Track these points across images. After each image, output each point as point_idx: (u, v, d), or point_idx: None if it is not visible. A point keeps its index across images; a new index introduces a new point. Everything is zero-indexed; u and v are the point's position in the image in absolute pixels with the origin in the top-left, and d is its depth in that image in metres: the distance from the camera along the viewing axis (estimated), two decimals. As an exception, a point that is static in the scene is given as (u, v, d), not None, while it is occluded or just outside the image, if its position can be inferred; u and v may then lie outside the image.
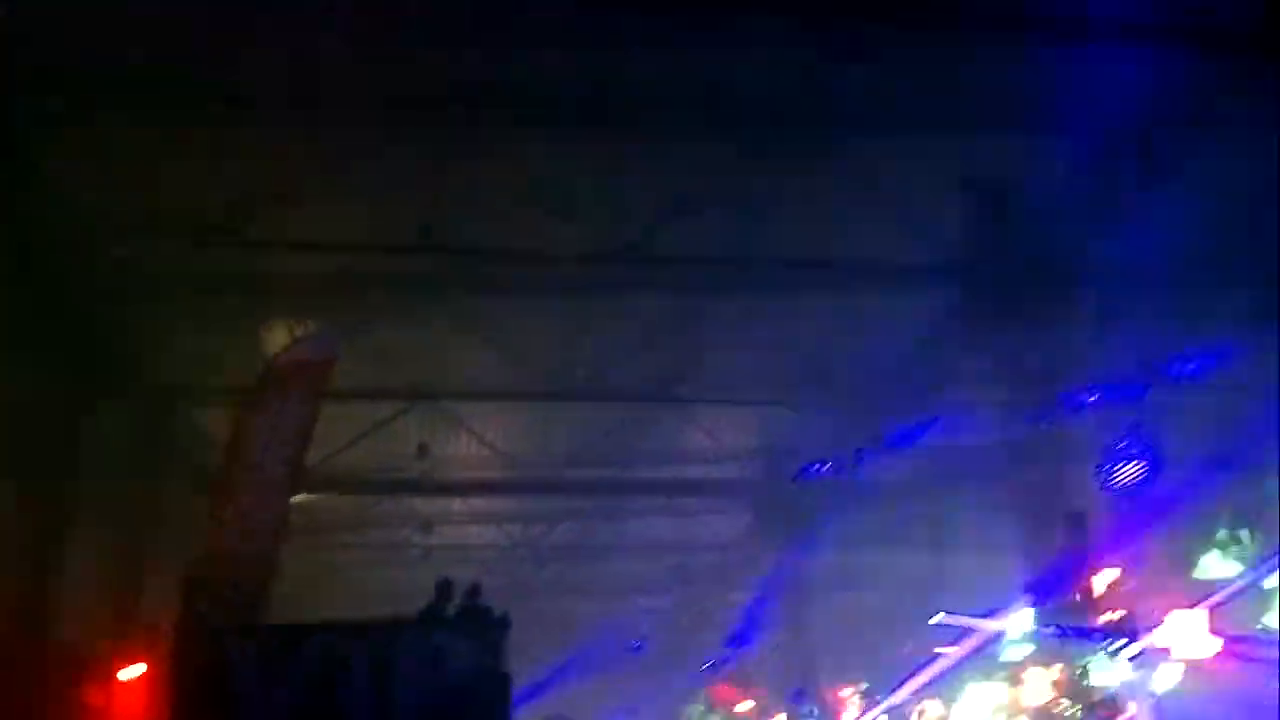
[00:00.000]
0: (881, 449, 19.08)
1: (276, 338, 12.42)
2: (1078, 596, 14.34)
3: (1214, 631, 16.40)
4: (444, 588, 10.76)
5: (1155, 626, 17.38)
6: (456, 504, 20.78)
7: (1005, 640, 19.79)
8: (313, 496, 18.08)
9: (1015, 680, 21.93)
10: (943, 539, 22.72)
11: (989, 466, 17.10)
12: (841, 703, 25.58)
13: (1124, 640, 14.15)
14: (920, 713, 24.36)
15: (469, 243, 12.42)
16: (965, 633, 22.46)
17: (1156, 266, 13.54)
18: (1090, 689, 13.90)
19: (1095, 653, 13.83)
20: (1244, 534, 18.46)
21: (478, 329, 14.81)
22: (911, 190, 12.98)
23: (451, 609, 10.88)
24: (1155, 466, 16.13)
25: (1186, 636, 17.33)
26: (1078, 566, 14.39)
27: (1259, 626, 18.35)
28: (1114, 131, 12.14)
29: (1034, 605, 14.91)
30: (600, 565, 24.59)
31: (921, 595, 25.16)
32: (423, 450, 17.92)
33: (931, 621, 24.10)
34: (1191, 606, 18.19)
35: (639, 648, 26.53)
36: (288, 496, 9.93)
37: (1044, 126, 12.17)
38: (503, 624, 10.82)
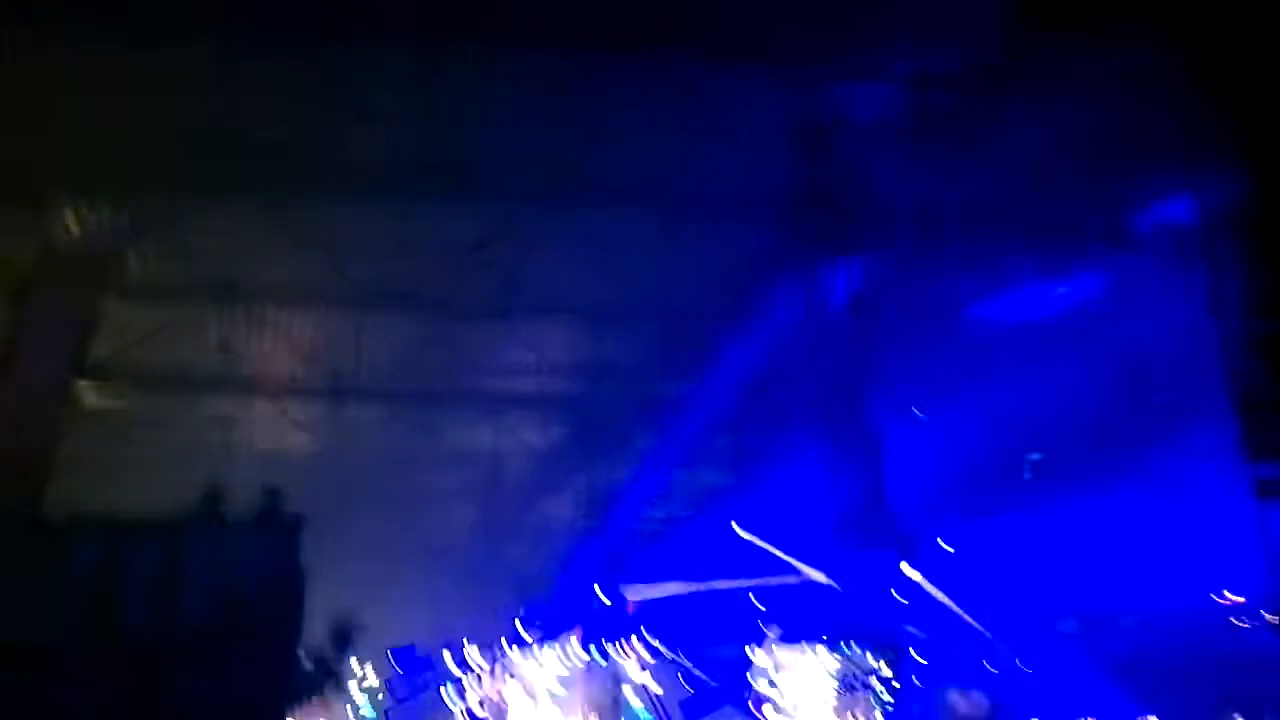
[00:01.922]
0: (698, 372, 19.64)
1: (63, 225, 11.67)
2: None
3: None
4: (232, 488, 10.54)
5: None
6: (262, 404, 20.16)
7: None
8: (105, 391, 17.29)
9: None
10: (745, 463, 23.56)
11: (799, 396, 17.74)
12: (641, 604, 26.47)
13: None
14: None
15: (277, 143, 11.92)
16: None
17: (971, 208, 14.17)
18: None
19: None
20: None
21: (290, 231, 14.31)
22: (737, 122, 13.19)
23: (245, 512, 10.69)
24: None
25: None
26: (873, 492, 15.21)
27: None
28: (933, 74, 12.60)
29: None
30: (414, 475, 24.38)
31: (725, 514, 26.24)
32: (225, 347, 17.27)
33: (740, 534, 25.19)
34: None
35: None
36: (68, 390, 9.46)
37: (866, 65, 12.52)
38: (296, 527, 10.68)
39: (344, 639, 12.19)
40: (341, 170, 12.69)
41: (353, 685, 28.31)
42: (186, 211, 13.50)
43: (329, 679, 12.85)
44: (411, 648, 27.63)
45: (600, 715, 25.81)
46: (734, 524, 24.69)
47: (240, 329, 17.29)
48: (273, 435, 21.18)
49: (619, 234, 15.21)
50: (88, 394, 15.89)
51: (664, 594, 27.32)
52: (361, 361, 17.91)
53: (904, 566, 16.05)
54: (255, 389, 18.52)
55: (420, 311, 16.71)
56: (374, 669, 29.58)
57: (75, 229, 11.23)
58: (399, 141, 12.02)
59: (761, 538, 23.63)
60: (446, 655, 29.33)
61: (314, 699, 12.94)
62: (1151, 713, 16.55)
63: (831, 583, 18.63)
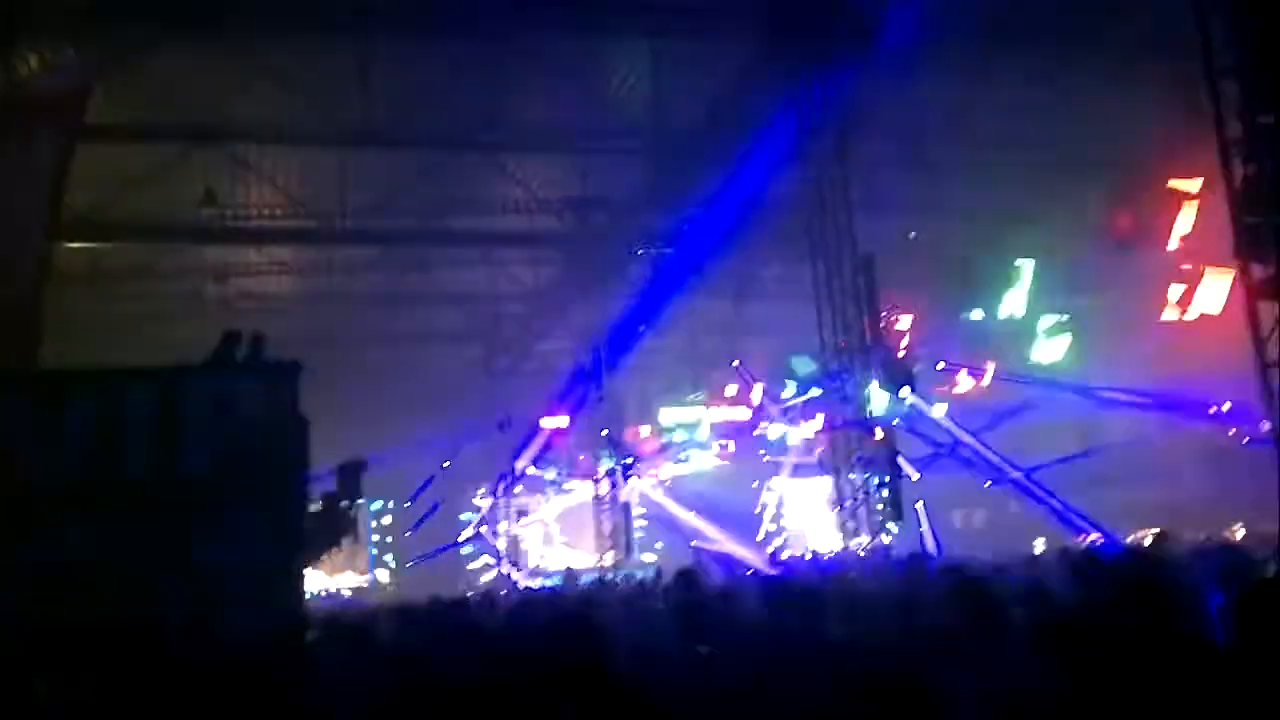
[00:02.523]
0: (692, 203, 19.40)
1: (25, 64, 11.20)
2: (868, 337, 15.16)
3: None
4: (229, 336, 10.44)
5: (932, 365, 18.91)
6: (252, 254, 20.00)
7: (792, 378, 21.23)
8: (90, 245, 17.11)
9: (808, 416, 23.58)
10: (749, 290, 23.56)
11: (790, 219, 17.52)
12: (642, 442, 26.99)
13: (901, 379, 15.19)
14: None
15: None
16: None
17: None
18: (870, 417, 14.83)
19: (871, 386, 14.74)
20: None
21: (266, 67, 13.84)
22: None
23: (242, 359, 10.61)
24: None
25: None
26: (867, 308, 15.15)
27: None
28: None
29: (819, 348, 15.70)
30: (408, 314, 24.42)
31: (727, 340, 26.43)
32: (210, 196, 16.98)
33: (733, 364, 25.49)
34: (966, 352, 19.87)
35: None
36: (45, 240, 9.24)
37: None
38: (294, 369, 10.61)
39: (353, 478, 12.27)
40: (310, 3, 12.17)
41: (368, 527, 29.25)
42: (156, 50, 12.99)
43: (343, 521, 12.98)
44: (424, 486, 28.40)
45: (613, 547, 26.64)
46: (736, 362, 24.97)
47: (224, 176, 16.97)
48: (265, 281, 21.10)
49: (600, 55, 14.72)
50: (68, 250, 15.74)
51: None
52: (348, 203, 17.63)
53: (905, 392, 16.16)
54: (243, 236, 18.29)
55: (403, 150, 16.31)
56: (388, 510, 30.47)
57: (35, 67, 10.79)
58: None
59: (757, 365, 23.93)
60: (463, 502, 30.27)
61: (329, 542, 13.12)
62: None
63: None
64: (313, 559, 12.66)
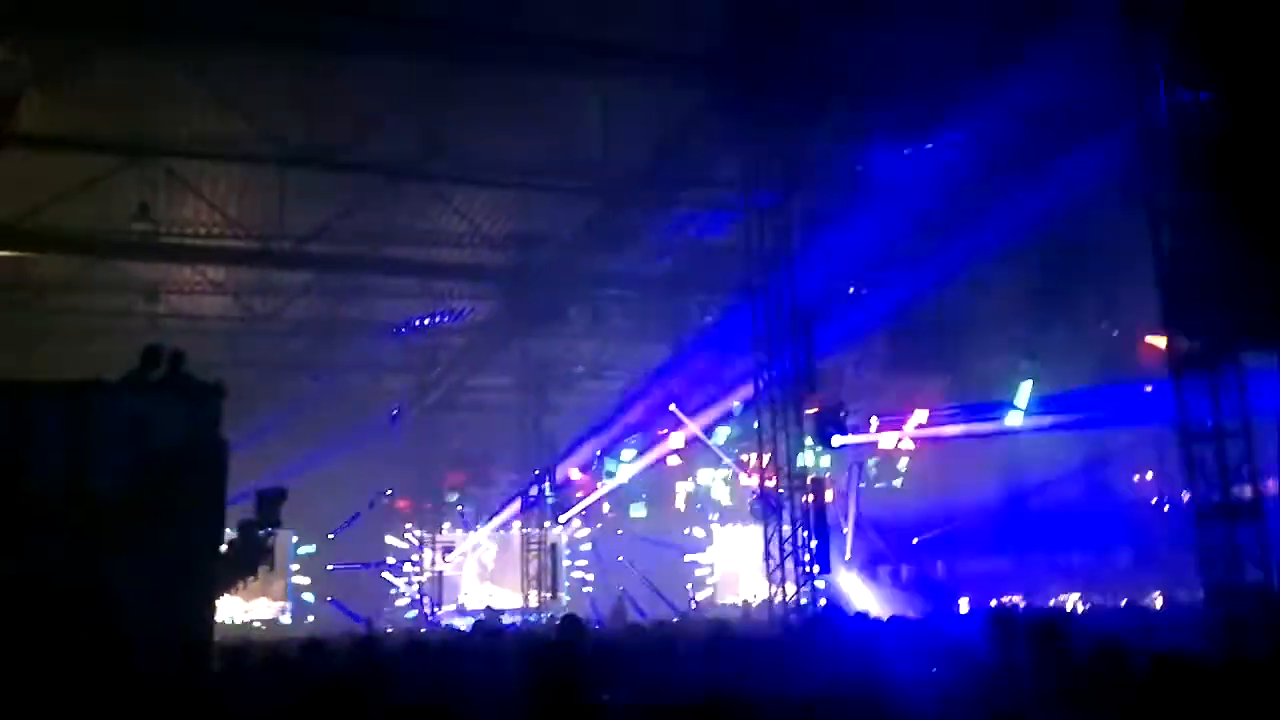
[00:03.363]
0: (634, 241, 19.42)
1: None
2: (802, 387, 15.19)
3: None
4: (150, 353, 10.19)
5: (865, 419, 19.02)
6: (186, 272, 19.60)
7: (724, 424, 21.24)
8: (16, 254, 16.64)
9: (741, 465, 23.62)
10: (681, 334, 23.58)
11: (728, 265, 17.59)
12: (577, 483, 26.83)
13: (832, 430, 15.24)
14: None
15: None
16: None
17: (909, 78, 13.87)
18: (803, 470, 14.83)
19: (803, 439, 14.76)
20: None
21: (206, 83, 13.59)
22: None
23: (157, 376, 10.34)
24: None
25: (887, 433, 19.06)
26: (800, 360, 15.19)
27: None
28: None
29: (749, 397, 15.73)
30: (343, 344, 24.07)
31: (665, 383, 26.41)
32: (144, 210, 16.58)
33: (670, 408, 25.45)
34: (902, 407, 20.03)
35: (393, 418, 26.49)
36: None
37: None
38: (217, 392, 10.38)
39: (272, 506, 11.99)
40: (252, 15, 11.98)
41: (285, 557, 28.57)
42: (94, 59, 12.72)
43: (260, 549, 12.65)
44: (348, 521, 27.87)
45: (538, 586, 26.36)
46: (672, 406, 24.94)
47: (159, 191, 16.63)
48: (197, 301, 20.69)
49: (551, 94, 14.71)
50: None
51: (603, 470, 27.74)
52: (286, 225, 17.36)
53: (836, 440, 16.22)
54: (177, 254, 17.91)
55: (344, 174, 16.11)
56: (307, 542, 29.82)
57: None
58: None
59: (694, 413, 23.92)
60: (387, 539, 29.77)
61: (244, 570, 12.77)
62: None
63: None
64: (226, 585, 12.31)
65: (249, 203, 17.28)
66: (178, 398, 10.09)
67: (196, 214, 17.37)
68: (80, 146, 14.72)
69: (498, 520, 28.57)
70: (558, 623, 9.19)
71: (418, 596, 28.19)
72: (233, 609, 24.43)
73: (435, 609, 27.25)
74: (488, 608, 24.93)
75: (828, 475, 16.05)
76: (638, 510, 29.38)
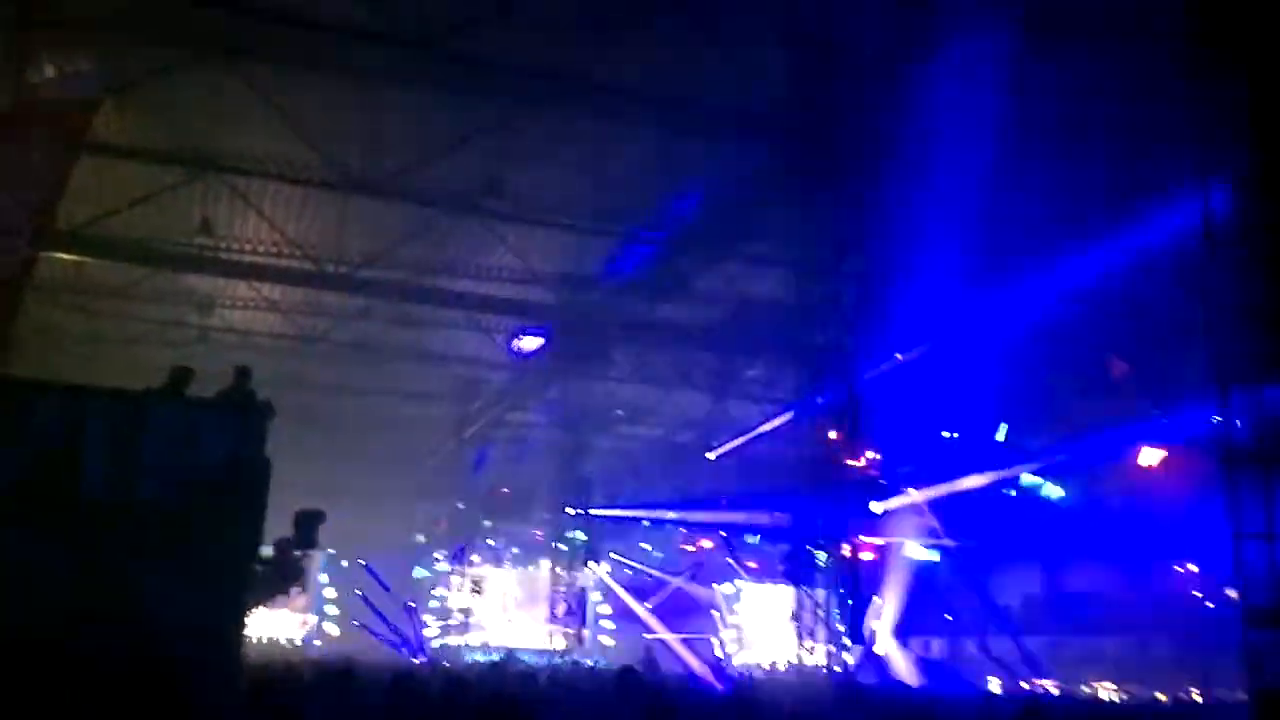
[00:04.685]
0: (683, 291, 19.46)
1: (39, 72, 11.19)
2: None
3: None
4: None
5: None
6: (241, 288, 19.85)
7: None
8: (79, 259, 16.93)
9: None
10: (726, 386, 23.52)
11: (777, 322, 17.56)
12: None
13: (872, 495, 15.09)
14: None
15: (274, 6, 11.44)
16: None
17: (971, 151, 13.85)
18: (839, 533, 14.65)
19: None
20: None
21: (278, 105, 13.85)
22: (740, 36, 12.83)
23: (215, 391, 10.44)
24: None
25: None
26: (848, 425, 15.07)
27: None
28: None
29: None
30: (388, 369, 24.21)
31: (702, 434, 26.29)
32: (206, 225, 16.91)
33: (709, 455, 25.31)
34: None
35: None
36: (30, 246, 9.09)
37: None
38: (266, 411, 10.43)
39: (309, 527, 12.01)
40: (332, 48, 12.22)
41: (320, 578, 28.66)
42: (170, 75, 13.00)
43: (294, 569, 12.69)
44: (380, 553, 27.90)
45: (564, 630, 26.17)
46: (709, 454, 24.81)
47: (222, 207, 16.92)
48: (249, 317, 20.93)
49: (613, 141, 14.82)
50: (53, 260, 15.56)
51: (632, 515, 27.60)
52: (344, 249, 17.58)
53: (872, 506, 16.05)
54: (235, 269, 18.15)
55: (404, 204, 16.30)
56: (341, 563, 29.87)
57: (50, 76, 10.77)
58: (395, 19, 11.56)
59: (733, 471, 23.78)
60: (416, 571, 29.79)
61: (277, 588, 12.80)
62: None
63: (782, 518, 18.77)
64: (259, 602, 12.32)
65: (308, 225, 17.52)
66: (227, 413, 10.15)
67: (256, 232, 17.64)
68: (149, 158, 15.03)
69: (529, 554, 28.52)
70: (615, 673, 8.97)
71: (442, 630, 28.06)
72: (258, 624, 24.42)
73: (461, 641, 27.04)
74: (508, 649, 24.72)
75: (863, 540, 15.85)
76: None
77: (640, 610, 26.86)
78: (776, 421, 19.78)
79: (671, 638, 24.94)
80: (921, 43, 12.55)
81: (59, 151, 8.90)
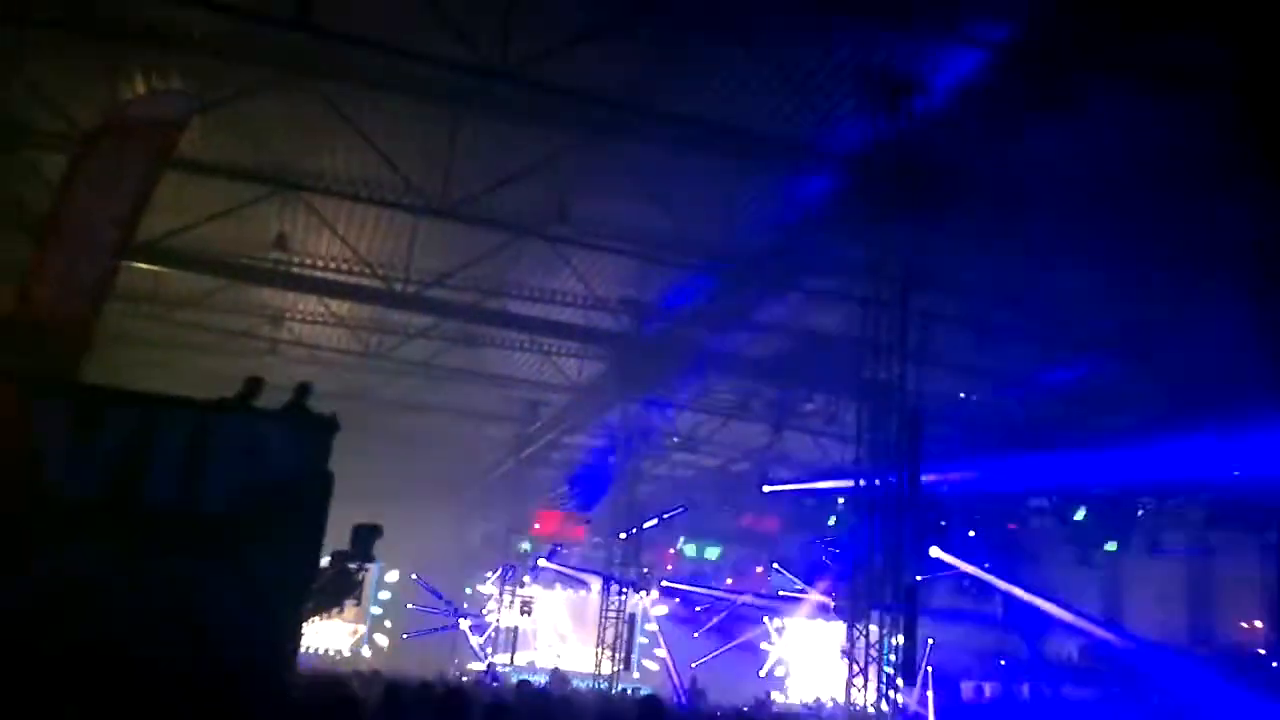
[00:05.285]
0: (745, 321, 19.47)
1: (132, 88, 11.59)
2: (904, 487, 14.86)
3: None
4: (253, 383, 10.48)
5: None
6: (312, 302, 20.27)
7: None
8: (157, 269, 17.41)
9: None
10: (787, 420, 23.43)
11: (839, 355, 17.46)
12: (666, 557, 26.71)
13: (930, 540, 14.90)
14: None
15: (356, 31, 11.72)
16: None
17: (1040, 190, 13.73)
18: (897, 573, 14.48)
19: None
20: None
21: (358, 125, 14.17)
22: (813, 71, 12.87)
23: (282, 404, 10.67)
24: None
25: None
26: (907, 459, 14.89)
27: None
28: (1019, 47, 12.14)
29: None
30: (449, 387, 24.52)
31: (758, 466, 26.23)
32: (281, 241, 17.32)
33: (765, 489, 25.24)
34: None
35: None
36: (114, 258, 9.38)
37: (954, 30, 12.11)
38: (331, 425, 10.62)
39: (367, 541, 12.21)
40: (413, 73, 12.50)
41: (372, 592, 28.98)
42: (256, 96, 13.37)
43: (350, 582, 12.90)
44: (432, 570, 28.13)
45: (612, 654, 26.12)
46: (765, 487, 24.70)
47: (297, 223, 17.31)
48: (316, 331, 21.34)
49: (682, 171, 14.91)
50: (131, 268, 15.97)
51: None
52: (412, 269, 17.90)
53: (934, 551, 15.87)
54: (306, 285, 18.55)
55: (473, 227, 16.54)
56: (394, 578, 30.19)
57: (142, 92, 11.14)
58: (475, 47, 11.78)
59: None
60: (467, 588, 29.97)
61: (333, 601, 13.01)
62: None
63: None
64: (315, 613, 12.52)
65: (379, 243, 17.87)
66: (294, 427, 10.35)
67: (329, 249, 18.03)
68: (231, 175, 15.42)
69: (578, 580, 28.54)
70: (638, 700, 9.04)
71: (490, 649, 28.20)
72: (315, 637, 24.79)
73: (508, 663, 27.15)
74: (555, 669, 24.77)
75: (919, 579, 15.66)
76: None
77: (687, 638, 26.81)
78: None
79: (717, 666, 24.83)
80: (999, 83, 12.46)
81: (146, 167, 9.19)
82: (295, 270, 18.19)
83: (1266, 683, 16.57)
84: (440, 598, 26.34)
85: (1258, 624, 18.48)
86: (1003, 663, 18.82)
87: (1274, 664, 16.92)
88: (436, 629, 26.81)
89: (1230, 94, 11.43)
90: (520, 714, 9.31)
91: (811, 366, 19.92)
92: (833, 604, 21.07)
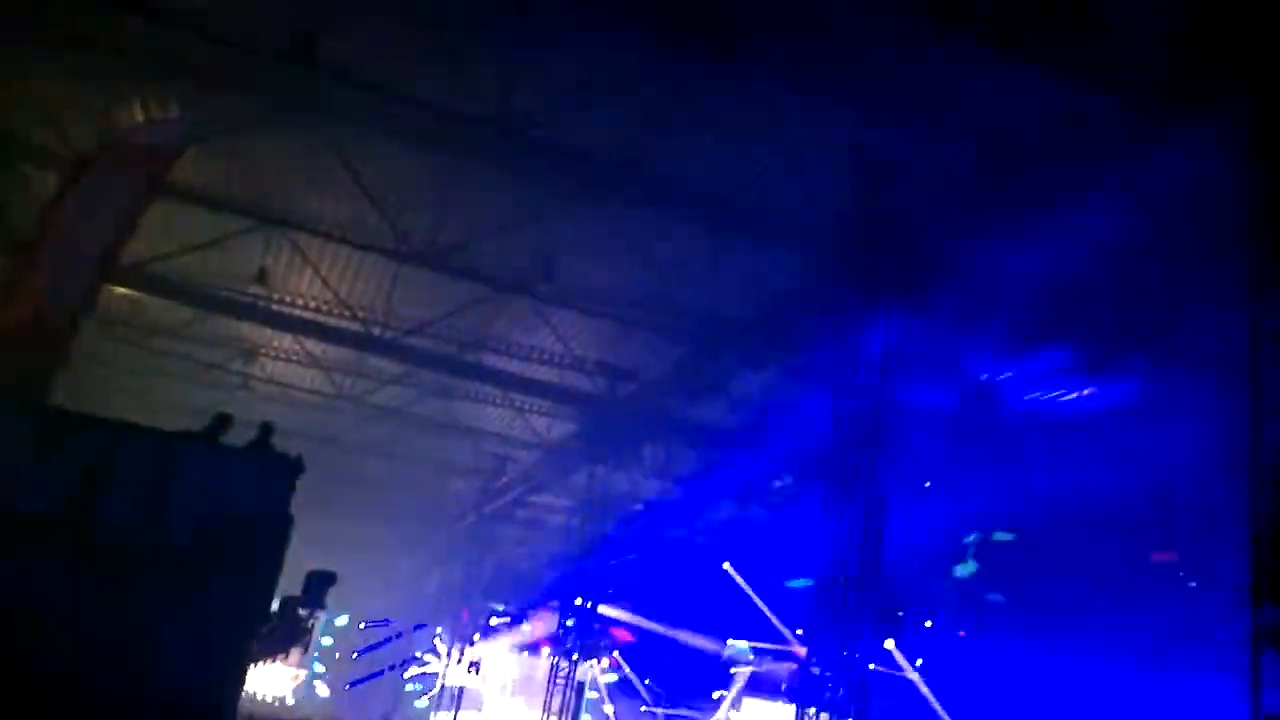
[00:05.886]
0: (719, 393, 19.51)
1: (130, 113, 11.61)
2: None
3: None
4: (220, 419, 10.39)
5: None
6: (288, 340, 20.18)
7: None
8: (136, 294, 17.34)
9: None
10: (750, 494, 23.35)
11: (807, 435, 17.48)
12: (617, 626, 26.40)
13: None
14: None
15: (356, 72, 11.84)
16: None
17: (1018, 282, 13.89)
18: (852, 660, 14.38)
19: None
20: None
21: (347, 166, 14.25)
22: (803, 146, 13.07)
23: (247, 439, 10.56)
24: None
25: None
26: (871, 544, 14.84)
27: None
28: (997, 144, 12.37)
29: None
30: (418, 437, 24.39)
31: (722, 538, 26.04)
32: (263, 276, 17.31)
33: (725, 566, 24.98)
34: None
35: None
36: (96, 280, 9.35)
37: (941, 121, 12.33)
38: (296, 467, 10.52)
39: (320, 589, 12.02)
40: (413, 121, 12.61)
41: (320, 636, 28.49)
42: (252, 131, 13.44)
43: (300, 628, 12.66)
44: (384, 621, 27.68)
45: (561, 717, 25.69)
46: (727, 565, 24.51)
47: (280, 259, 17.30)
48: (290, 370, 21.23)
49: (665, 236, 15.05)
50: (111, 292, 15.91)
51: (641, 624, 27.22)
52: (391, 315, 17.89)
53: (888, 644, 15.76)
54: (284, 322, 18.49)
55: (455, 278, 16.60)
56: (341, 624, 29.70)
57: (137, 118, 11.16)
58: (475, 99, 11.93)
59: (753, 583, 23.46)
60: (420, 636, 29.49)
61: (281, 646, 12.76)
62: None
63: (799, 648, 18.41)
64: (261, 657, 12.26)
65: (360, 286, 17.87)
66: (258, 464, 10.26)
67: (310, 287, 18.01)
68: (219, 207, 15.44)
69: (530, 642, 28.13)
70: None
71: (434, 705, 27.70)
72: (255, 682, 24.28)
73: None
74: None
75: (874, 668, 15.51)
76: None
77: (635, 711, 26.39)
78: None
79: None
80: (988, 170, 12.69)
81: (137, 193, 9.20)
82: (274, 307, 18.13)
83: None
84: (388, 624, 25.92)
85: None
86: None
87: None
88: (379, 672, 26.28)
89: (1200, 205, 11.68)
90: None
91: (781, 445, 19.93)
92: (784, 685, 20.83)
